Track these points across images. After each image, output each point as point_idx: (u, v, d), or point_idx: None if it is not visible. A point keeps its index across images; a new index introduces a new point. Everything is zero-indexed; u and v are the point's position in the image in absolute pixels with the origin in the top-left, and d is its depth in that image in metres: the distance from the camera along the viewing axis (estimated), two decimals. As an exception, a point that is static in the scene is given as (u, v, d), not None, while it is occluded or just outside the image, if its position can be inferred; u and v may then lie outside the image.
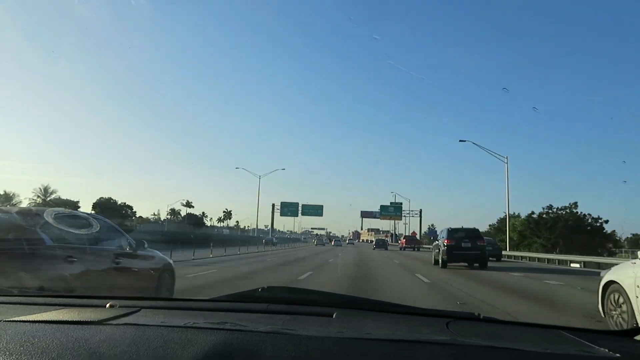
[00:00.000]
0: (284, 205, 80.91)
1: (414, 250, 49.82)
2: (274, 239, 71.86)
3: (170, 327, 1.34)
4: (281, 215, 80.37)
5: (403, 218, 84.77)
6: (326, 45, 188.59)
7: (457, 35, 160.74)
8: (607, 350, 1.25)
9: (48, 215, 4.88)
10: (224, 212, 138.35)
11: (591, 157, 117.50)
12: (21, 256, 4.33)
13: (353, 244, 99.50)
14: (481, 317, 1.74)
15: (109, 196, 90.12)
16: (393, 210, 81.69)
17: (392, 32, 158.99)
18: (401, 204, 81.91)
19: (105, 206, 79.96)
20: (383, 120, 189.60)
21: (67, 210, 7.01)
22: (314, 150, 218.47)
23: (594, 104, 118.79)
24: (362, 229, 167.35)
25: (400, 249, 52.64)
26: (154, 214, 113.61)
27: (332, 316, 1.62)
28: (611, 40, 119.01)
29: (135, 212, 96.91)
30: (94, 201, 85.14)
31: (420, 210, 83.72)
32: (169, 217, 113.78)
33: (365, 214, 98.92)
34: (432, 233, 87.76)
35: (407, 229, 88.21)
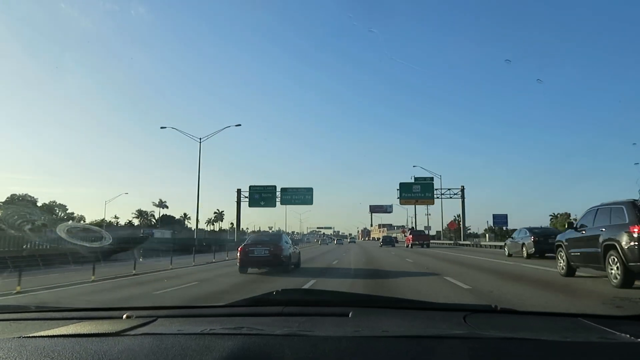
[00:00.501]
0: (254, 191, 51.10)
1: (422, 247, 40.98)
2: None
3: (187, 335, 1.35)
4: (250, 205, 51.77)
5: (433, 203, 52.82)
6: (326, 41, 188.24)
7: (457, 27, 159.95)
8: (628, 335, 1.23)
9: (282, 234, 20.40)
10: (215, 213, 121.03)
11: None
12: (278, 245, 14.19)
13: (354, 242, 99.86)
14: (498, 308, 1.73)
15: (26, 192, 78.24)
16: (419, 190, 50.23)
17: (393, 27, 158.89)
18: (432, 179, 50.30)
19: (17, 204, 63.70)
20: (388, 116, 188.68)
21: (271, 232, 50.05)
22: (318, 150, 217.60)
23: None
24: (371, 226, 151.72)
25: (407, 246, 42.97)
26: (115, 217, 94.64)
27: (348, 315, 1.61)
28: (616, 25, 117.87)
29: (71, 212, 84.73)
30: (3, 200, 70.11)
31: (462, 187, 51.03)
32: (134, 219, 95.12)
33: (375, 209, 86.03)
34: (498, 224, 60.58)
35: (430, 220, 63.55)
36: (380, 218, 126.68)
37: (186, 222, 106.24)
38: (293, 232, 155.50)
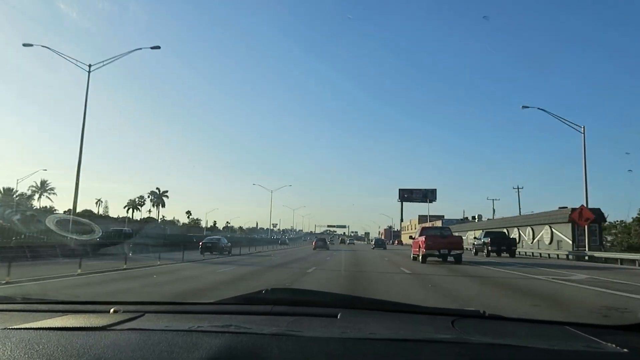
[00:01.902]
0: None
1: (445, 259, 20.55)
2: (282, 239, 75.66)
3: (174, 331, 1.34)
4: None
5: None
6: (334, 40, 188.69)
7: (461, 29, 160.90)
8: (614, 345, 1.24)
9: (325, 236, 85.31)
10: (152, 193, 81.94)
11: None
12: (325, 240, 53.69)
13: (354, 243, 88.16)
14: (486, 314, 1.74)
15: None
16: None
17: (393, 25, 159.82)
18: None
19: None
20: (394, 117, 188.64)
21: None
22: (332, 143, 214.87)
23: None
24: (402, 221, 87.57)
25: (415, 258, 22.20)
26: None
27: (337, 317, 1.61)
28: (612, 34, 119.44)
29: None
30: None
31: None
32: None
33: (407, 195, 56.68)
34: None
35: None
36: (418, 209, 76.94)
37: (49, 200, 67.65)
38: (298, 230, 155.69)
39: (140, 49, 28.47)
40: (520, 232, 38.54)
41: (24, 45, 27.91)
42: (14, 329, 1.37)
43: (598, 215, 29.51)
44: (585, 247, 26.55)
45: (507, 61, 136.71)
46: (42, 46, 27.38)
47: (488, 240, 29.71)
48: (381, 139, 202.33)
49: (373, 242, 56.00)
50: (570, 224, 29.96)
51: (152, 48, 28.64)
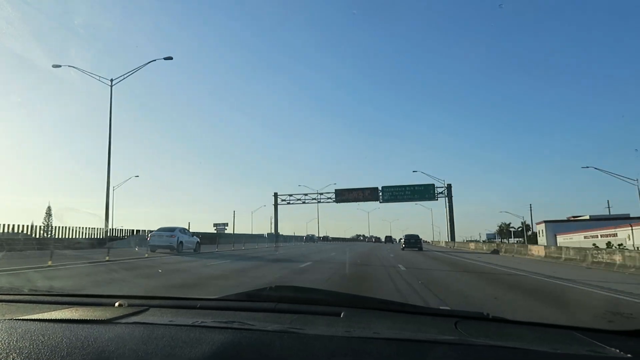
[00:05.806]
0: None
1: None
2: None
3: (178, 326, 1.35)
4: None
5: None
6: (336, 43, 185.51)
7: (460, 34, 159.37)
8: (618, 350, 1.23)
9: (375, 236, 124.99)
10: None
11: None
12: (379, 238, 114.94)
13: (392, 242, 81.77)
14: (490, 316, 1.73)
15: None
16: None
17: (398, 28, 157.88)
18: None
19: None
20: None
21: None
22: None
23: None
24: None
25: None
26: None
27: (340, 315, 1.62)
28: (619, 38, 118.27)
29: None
30: None
31: None
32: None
33: None
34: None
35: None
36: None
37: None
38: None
39: (155, 60, 32.09)
40: None
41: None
42: (20, 319, 1.38)
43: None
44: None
45: (505, 71, 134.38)
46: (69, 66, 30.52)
47: None
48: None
49: (403, 241, 40.73)
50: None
51: (165, 58, 31.18)
